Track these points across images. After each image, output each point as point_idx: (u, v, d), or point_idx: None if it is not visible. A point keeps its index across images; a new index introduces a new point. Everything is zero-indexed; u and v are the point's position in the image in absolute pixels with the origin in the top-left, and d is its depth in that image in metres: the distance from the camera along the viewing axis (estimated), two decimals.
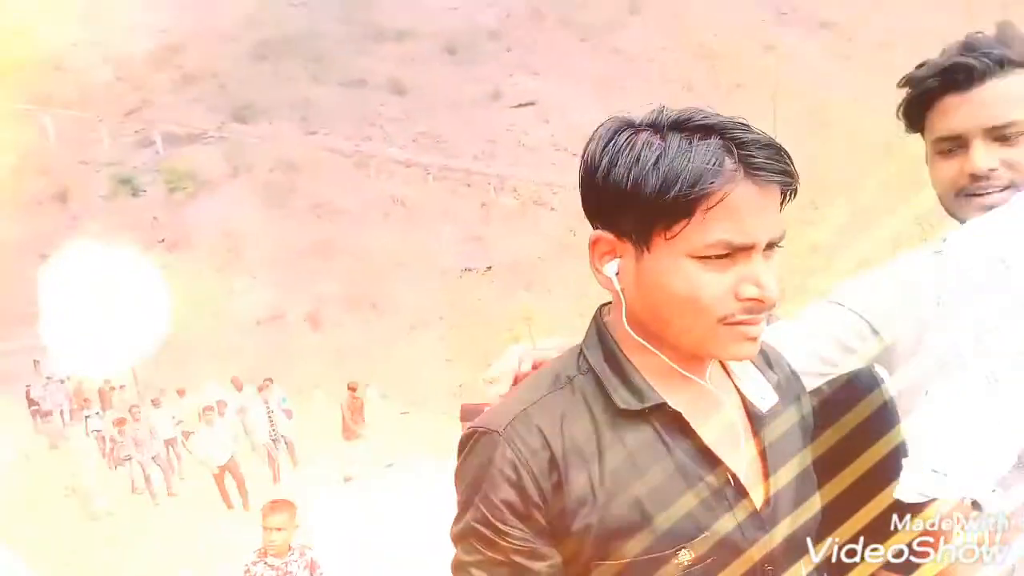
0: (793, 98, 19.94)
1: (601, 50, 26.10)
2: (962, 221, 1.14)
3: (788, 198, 0.85)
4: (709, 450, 0.88)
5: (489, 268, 20.63)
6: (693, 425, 0.87)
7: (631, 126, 0.85)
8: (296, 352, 16.62)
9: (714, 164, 0.79)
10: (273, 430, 11.34)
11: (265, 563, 3.87)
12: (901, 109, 1.23)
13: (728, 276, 0.82)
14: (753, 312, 0.83)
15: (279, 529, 3.85)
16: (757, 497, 0.90)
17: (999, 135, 1.12)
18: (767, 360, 1.00)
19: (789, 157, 0.83)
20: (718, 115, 0.83)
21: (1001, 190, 1.11)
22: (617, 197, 0.84)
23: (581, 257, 0.90)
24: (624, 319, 0.89)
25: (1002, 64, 1.13)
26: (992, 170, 1.11)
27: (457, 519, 0.89)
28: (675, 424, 0.87)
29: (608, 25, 26.34)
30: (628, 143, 0.83)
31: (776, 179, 0.81)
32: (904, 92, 1.22)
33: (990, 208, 1.09)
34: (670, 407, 0.87)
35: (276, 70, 24.70)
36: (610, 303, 0.95)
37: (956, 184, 1.15)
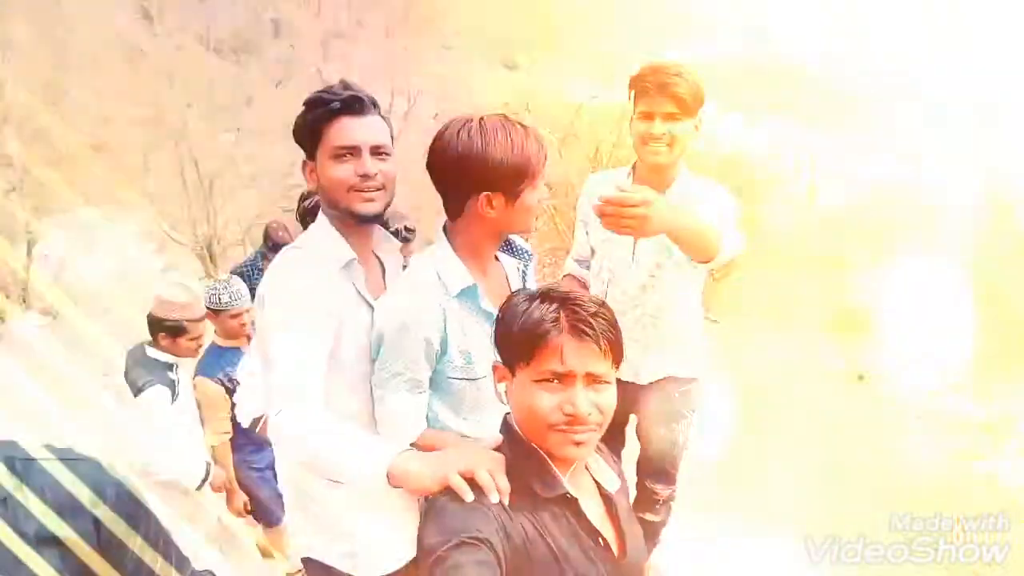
0: None
1: None
2: (354, 213, 1.70)
3: (607, 347, 1.26)
4: (589, 523, 1.30)
5: None
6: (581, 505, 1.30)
7: (531, 296, 1.31)
8: None
9: (548, 321, 1.25)
10: None
11: None
12: (299, 127, 1.71)
13: (557, 397, 1.25)
14: (573, 424, 1.25)
15: None
16: (617, 550, 1.33)
17: (377, 152, 1.70)
18: (614, 456, 1.51)
19: (609, 325, 1.26)
20: (569, 290, 1.31)
21: (380, 188, 1.71)
22: (504, 340, 1.31)
23: None
24: (518, 426, 1.32)
25: (375, 104, 1.72)
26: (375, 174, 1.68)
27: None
28: (570, 506, 1.29)
29: None
30: (521, 305, 1.30)
31: (589, 335, 1.24)
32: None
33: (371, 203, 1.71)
34: (571, 494, 1.29)
35: None
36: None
37: (349, 182, 1.68)
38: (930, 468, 5.77)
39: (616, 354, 1.27)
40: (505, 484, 1.27)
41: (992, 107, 13.72)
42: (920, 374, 7.82)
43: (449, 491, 1.27)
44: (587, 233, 2.54)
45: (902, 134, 13.72)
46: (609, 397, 1.27)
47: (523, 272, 1.92)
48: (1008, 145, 12.79)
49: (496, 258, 1.86)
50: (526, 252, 2.03)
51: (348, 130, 1.67)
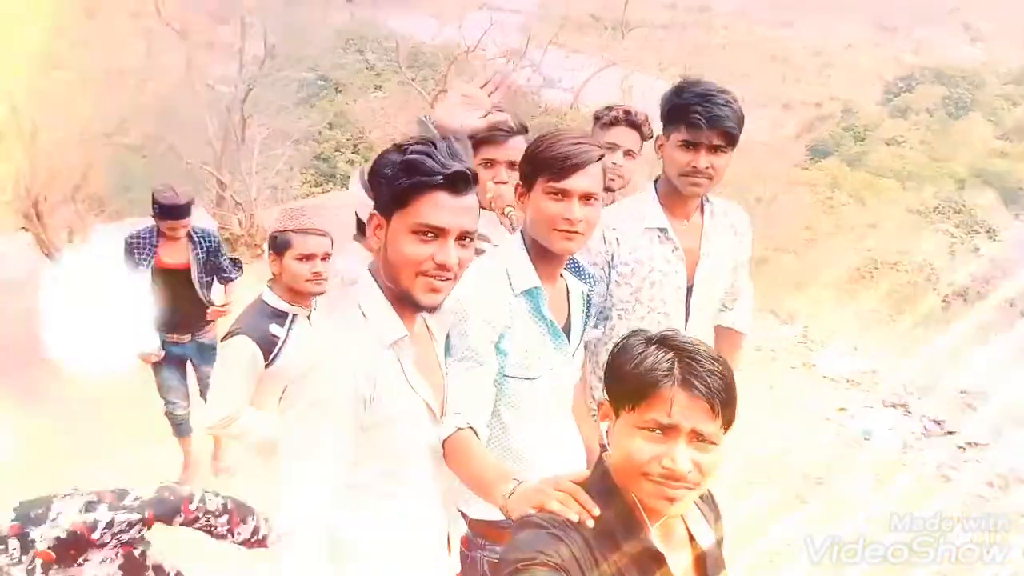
0: None
1: None
2: (412, 298, 1.47)
3: (719, 406, 1.19)
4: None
5: None
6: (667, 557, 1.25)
7: (648, 340, 1.26)
8: None
9: (661, 370, 1.20)
10: None
11: None
12: (382, 178, 1.44)
13: (657, 448, 1.19)
14: (668, 479, 1.19)
15: None
16: None
17: (462, 238, 1.46)
18: (711, 501, 1.43)
19: (725, 384, 1.20)
20: (689, 340, 1.24)
21: (451, 279, 1.49)
22: (613, 380, 1.27)
23: None
24: (612, 469, 1.27)
25: (476, 180, 1.48)
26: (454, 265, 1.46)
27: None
28: (655, 559, 1.24)
29: None
30: (636, 347, 1.25)
31: (700, 392, 1.18)
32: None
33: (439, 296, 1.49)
34: (656, 548, 1.24)
35: None
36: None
37: (422, 267, 1.44)
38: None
39: (728, 416, 1.22)
40: (588, 503, 1.25)
41: None
42: None
43: (539, 515, 1.25)
44: (611, 269, 2.29)
45: None
46: (713, 458, 1.22)
47: (587, 297, 1.96)
48: None
49: (562, 275, 1.91)
50: (591, 277, 2.05)
51: (442, 210, 1.43)
